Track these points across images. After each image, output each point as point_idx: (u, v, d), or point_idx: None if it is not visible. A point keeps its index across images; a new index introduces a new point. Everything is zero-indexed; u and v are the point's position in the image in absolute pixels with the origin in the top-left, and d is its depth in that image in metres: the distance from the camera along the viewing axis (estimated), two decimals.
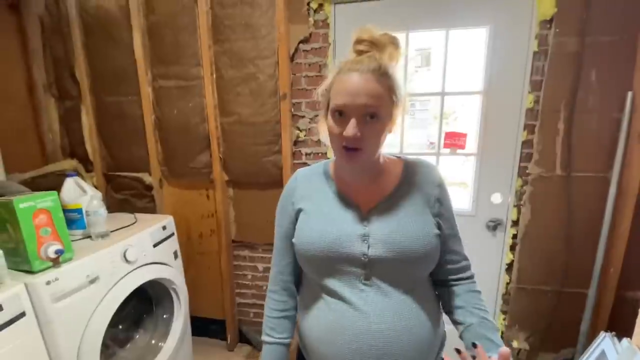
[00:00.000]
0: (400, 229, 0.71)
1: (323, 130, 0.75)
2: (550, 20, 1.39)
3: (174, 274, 1.60)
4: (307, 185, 0.82)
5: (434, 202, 0.76)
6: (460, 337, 0.77)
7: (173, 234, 1.67)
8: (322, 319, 0.76)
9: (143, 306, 1.64)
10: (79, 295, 1.18)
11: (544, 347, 1.66)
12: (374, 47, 0.68)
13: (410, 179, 0.77)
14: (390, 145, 1.78)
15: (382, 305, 0.71)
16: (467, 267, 0.82)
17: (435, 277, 0.82)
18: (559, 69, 1.40)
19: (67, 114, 1.97)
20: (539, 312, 1.63)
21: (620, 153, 1.38)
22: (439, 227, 0.76)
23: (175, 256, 1.67)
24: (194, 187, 1.91)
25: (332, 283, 0.74)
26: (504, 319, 1.71)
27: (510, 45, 1.48)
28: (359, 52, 0.69)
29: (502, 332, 1.72)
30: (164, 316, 1.66)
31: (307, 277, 0.83)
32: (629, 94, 1.35)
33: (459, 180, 4.11)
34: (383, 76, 0.66)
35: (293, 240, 0.79)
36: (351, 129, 0.65)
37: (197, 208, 1.93)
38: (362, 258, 0.71)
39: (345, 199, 0.77)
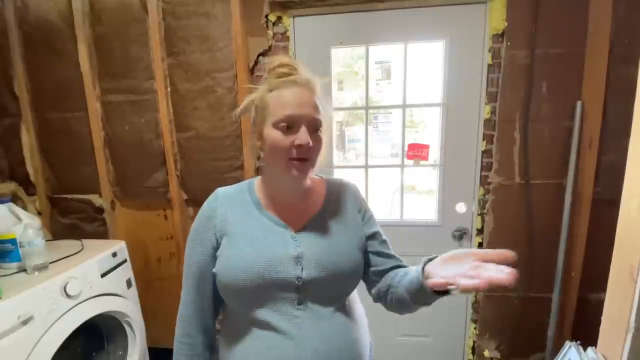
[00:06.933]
0: (332, 248, 0.71)
1: (253, 151, 0.74)
2: (502, 34, 1.43)
3: (126, 305, 1.46)
4: (230, 206, 0.74)
5: (360, 213, 0.79)
6: (403, 296, 0.69)
7: (125, 260, 1.54)
8: (250, 355, 0.69)
9: (92, 343, 1.48)
10: (10, 339, 1.04)
11: (514, 353, 1.67)
12: (295, 70, 0.70)
13: (335, 197, 0.79)
14: (361, 155, 1.77)
15: (315, 329, 0.68)
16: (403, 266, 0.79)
17: (378, 288, 0.78)
18: (512, 81, 1.45)
19: (5, 133, 1.79)
20: (507, 319, 1.64)
21: (573, 160, 1.44)
22: (369, 238, 0.78)
23: (129, 285, 1.54)
24: (149, 208, 1.78)
25: (263, 314, 0.68)
26: (475, 328, 1.71)
27: (466, 58, 1.51)
28: (283, 74, 0.70)
29: (474, 342, 1.72)
30: (118, 352, 1.51)
31: (231, 310, 0.74)
32: (579, 103, 1.41)
33: (427, 188, 4.21)
34: (315, 93, 0.69)
35: (215, 270, 0.71)
36: (304, 136, 0.66)
37: (154, 230, 1.80)
38: (297, 282, 0.67)
39: (274, 220, 0.73)
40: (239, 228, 0.71)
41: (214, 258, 0.72)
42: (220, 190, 0.78)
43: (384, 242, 0.81)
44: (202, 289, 0.74)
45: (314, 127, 0.68)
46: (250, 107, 0.73)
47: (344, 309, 0.74)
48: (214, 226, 0.72)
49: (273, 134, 0.67)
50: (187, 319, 0.75)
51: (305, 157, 0.67)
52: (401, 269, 0.76)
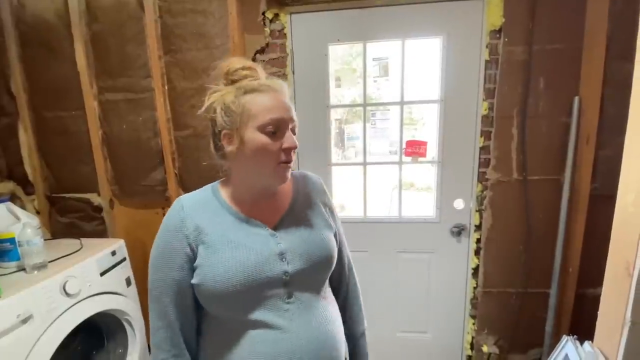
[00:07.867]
0: (311, 239, 0.74)
1: (235, 153, 0.69)
2: (499, 30, 1.43)
3: (126, 303, 1.46)
4: (199, 212, 0.71)
5: (326, 207, 0.83)
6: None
7: (125, 259, 1.54)
8: (245, 355, 0.68)
9: (93, 341, 1.48)
10: (10, 338, 1.04)
11: (513, 349, 1.68)
12: (257, 74, 0.71)
13: (302, 191, 0.81)
14: (361, 152, 1.77)
15: (305, 319, 0.71)
16: (351, 269, 0.89)
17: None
18: (510, 77, 1.45)
19: (3, 132, 1.78)
20: (505, 314, 1.65)
21: (570, 156, 1.44)
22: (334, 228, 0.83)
23: (128, 283, 1.54)
24: (148, 207, 1.78)
25: (253, 313, 0.68)
26: (474, 324, 1.72)
27: (464, 54, 1.51)
28: (244, 77, 0.70)
29: (472, 337, 1.73)
30: (119, 350, 1.51)
31: (215, 316, 0.71)
32: (576, 99, 1.41)
33: (425, 185, 4.20)
34: (286, 96, 0.71)
35: (196, 281, 0.68)
36: (292, 139, 0.68)
37: (153, 228, 1.73)
38: (284, 277, 0.69)
39: (249, 220, 0.72)
40: (216, 234, 0.69)
41: (191, 270, 0.69)
42: (184, 199, 0.74)
43: (339, 237, 0.85)
44: (179, 310, 0.70)
45: (294, 129, 0.71)
46: (214, 108, 0.70)
47: (326, 294, 0.79)
48: (186, 237, 0.68)
49: (260, 138, 0.66)
50: (162, 344, 0.70)
51: (291, 159, 0.70)
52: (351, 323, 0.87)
